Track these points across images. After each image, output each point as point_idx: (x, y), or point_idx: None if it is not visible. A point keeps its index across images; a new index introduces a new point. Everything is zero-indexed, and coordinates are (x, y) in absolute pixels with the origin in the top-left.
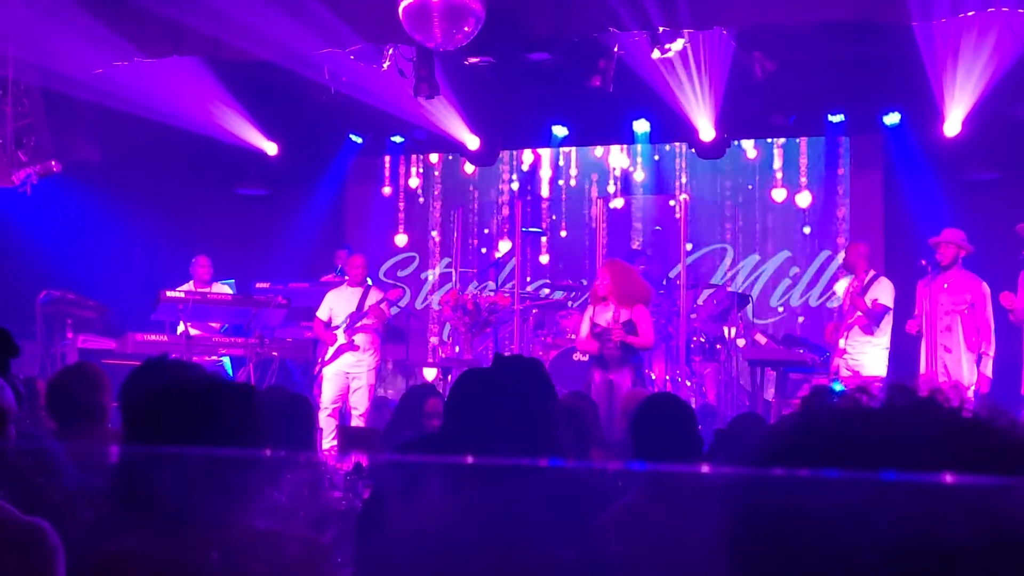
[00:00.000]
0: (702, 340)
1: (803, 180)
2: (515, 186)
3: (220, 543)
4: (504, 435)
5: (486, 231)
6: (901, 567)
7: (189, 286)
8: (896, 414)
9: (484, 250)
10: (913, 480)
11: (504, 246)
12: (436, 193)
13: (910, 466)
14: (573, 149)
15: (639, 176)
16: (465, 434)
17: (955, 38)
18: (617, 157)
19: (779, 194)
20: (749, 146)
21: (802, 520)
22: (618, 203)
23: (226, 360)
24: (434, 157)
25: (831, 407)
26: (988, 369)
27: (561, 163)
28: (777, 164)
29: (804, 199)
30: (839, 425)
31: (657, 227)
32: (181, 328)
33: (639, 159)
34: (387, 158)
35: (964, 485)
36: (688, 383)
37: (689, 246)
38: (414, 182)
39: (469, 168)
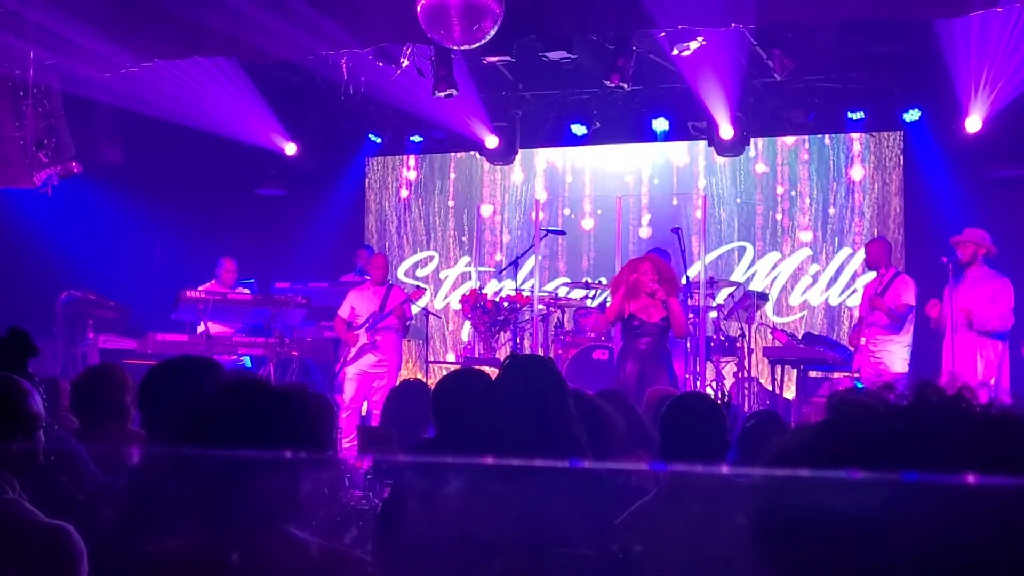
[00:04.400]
0: (722, 338)
1: (823, 177)
2: (534, 185)
3: (249, 548)
4: (520, 433)
5: (505, 231)
6: (933, 567)
7: (210, 285)
8: (926, 412)
9: (501, 250)
10: (946, 480)
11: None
12: (455, 192)
13: (941, 465)
14: (593, 147)
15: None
16: (479, 433)
17: (976, 35)
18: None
19: (800, 191)
20: (768, 144)
21: (831, 521)
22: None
23: (246, 360)
24: (453, 156)
25: (860, 406)
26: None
27: (580, 162)
28: (797, 161)
29: (824, 196)
30: (869, 424)
31: (675, 226)
32: (201, 328)
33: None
34: (406, 157)
35: (997, 484)
36: (709, 383)
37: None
38: (433, 181)
39: (488, 167)
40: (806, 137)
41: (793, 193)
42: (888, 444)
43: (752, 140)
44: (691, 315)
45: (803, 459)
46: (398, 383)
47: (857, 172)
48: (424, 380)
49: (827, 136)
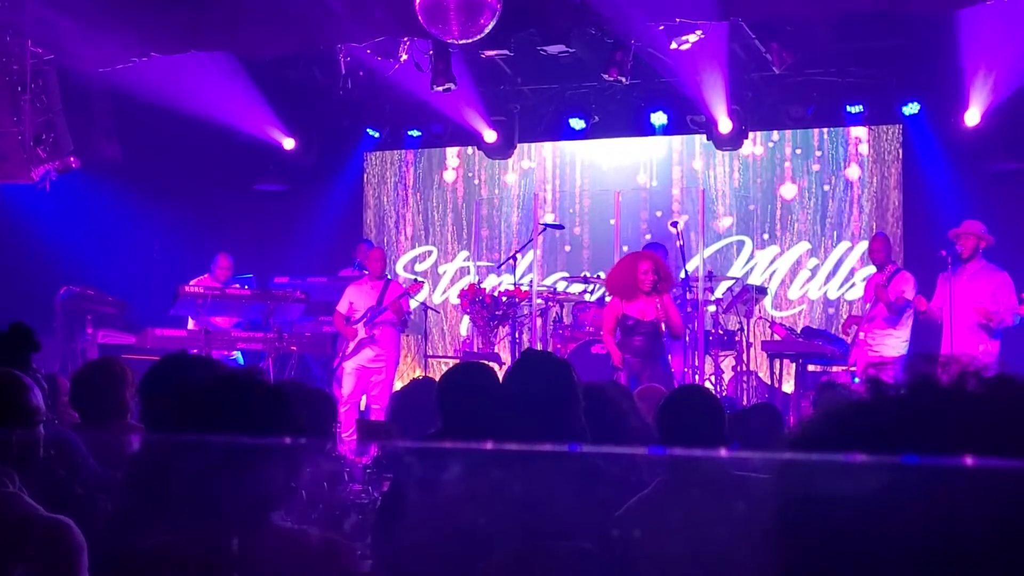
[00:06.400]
0: (720, 332)
1: (821, 171)
2: (532, 179)
3: (244, 539)
4: (523, 435)
5: (504, 225)
6: (940, 553)
7: (204, 279)
8: (967, 396)
9: (501, 244)
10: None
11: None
12: (452, 187)
13: (967, 447)
14: (591, 141)
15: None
16: (482, 428)
17: (975, 28)
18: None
19: (796, 187)
20: (766, 137)
21: (841, 509)
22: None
23: (238, 355)
24: (451, 150)
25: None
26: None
27: (578, 156)
28: (794, 155)
29: (822, 191)
30: (898, 407)
31: (673, 220)
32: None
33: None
34: (404, 152)
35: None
36: (708, 377)
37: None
38: (431, 176)
39: (486, 161)
40: (805, 131)
41: (792, 187)
42: (928, 427)
43: (751, 134)
44: (690, 309)
45: (825, 444)
46: (407, 383)
47: (855, 166)
48: (431, 377)
49: (826, 130)
